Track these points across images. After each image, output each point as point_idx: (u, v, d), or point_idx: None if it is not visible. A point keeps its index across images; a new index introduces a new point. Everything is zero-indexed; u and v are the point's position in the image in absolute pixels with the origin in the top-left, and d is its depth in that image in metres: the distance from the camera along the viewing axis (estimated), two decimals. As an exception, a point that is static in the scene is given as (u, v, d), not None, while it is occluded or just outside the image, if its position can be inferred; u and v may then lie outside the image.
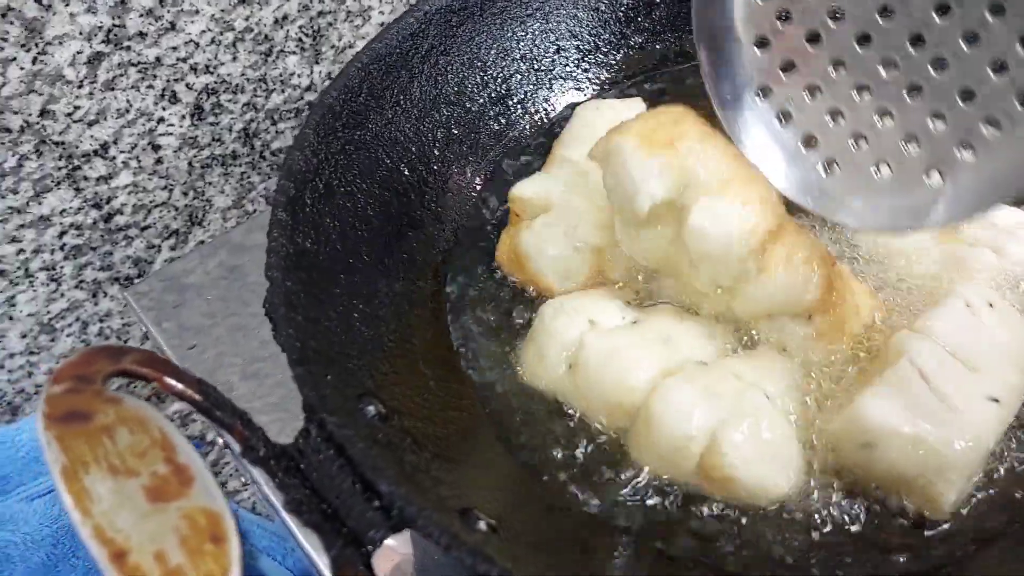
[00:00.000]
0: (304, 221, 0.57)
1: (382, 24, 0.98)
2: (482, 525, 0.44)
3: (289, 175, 0.58)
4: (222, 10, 0.86)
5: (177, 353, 0.84)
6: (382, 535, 0.41)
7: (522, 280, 0.63)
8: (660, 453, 0.52)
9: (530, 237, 0.62)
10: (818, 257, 0.53)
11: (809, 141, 0.51)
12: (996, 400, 0.51)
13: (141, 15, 0.81)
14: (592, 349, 0.55)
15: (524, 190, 0.65)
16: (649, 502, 0.52)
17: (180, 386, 0.42)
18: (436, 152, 0.69)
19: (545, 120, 0.74)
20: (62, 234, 0.88)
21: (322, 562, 0.61)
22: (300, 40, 0.93)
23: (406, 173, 0.67)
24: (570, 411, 0.57)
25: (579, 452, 0.54)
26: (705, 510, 0.52)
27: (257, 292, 0.94)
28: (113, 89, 0.84)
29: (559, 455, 0.54)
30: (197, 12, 0.84)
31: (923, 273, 0.58)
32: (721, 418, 0.50)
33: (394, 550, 0.70)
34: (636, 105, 0.69)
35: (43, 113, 0.81)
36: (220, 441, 0.78)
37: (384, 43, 0.67)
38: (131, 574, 0.32)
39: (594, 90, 0.76)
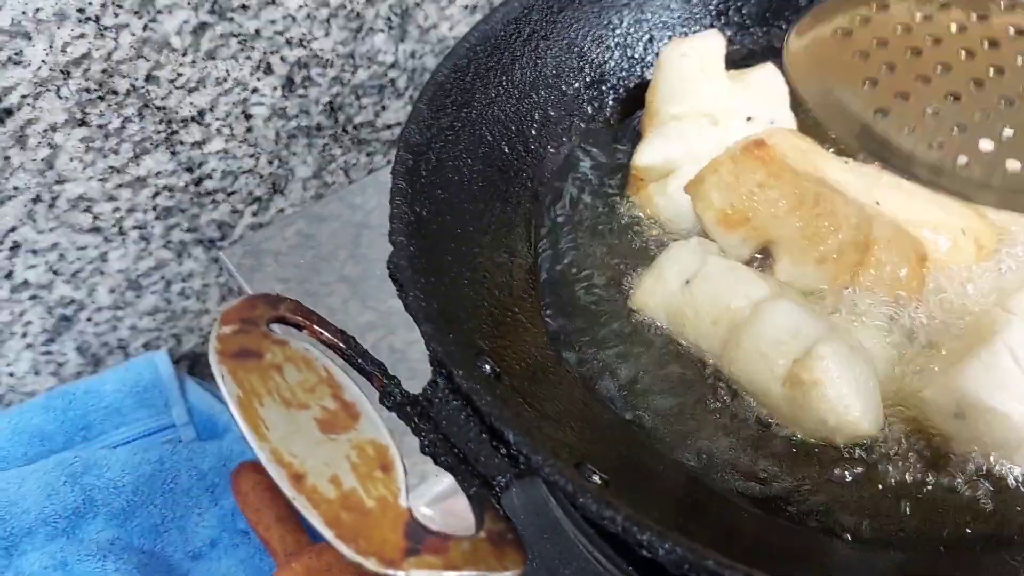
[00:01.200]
0: (420, 191, 0.60)
1: (466, 6, 1.01)
2: (596, 479, 0.48)
3: (407, 147, 0.61)
4: (320, -14, 0.89)
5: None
6: (508, 480, 0.44)
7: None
8: (755, 353, 0.54)
9: (666, 201, 0.67)
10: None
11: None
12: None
13: (245, -12, 0.85)
14: (714, 265, 0.59)
15: (647, 157, 0.68)
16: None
17: (327, 334, 0.45)
18: (533, 132, 0.72)
19: (635, 105, 0.77)
20: (155, 195, 0.92)
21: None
22: (389, 19, 0.97)
23: (506, 151, 0.70)
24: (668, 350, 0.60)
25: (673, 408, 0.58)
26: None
27: (330, 262, 0.99)
28: (214, 58, 0.87)
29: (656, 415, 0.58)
30: (297, -13, 0.88)
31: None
32: (820, 335, 0.53)
33: (431, 520, 0.75)
34: (717, 39, 0.72)
35: (148, 78, 0.85)
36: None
37: (490, 25, 0.70)
38: (310, 495, 0.35)
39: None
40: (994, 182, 0.51)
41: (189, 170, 0.93)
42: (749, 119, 0.70)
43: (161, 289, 0.99)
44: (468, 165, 0.66)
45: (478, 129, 0.68)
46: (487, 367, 0.53)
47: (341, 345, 0.45)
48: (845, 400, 0.53)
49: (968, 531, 0.52)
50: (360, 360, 0.46)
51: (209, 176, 0.94)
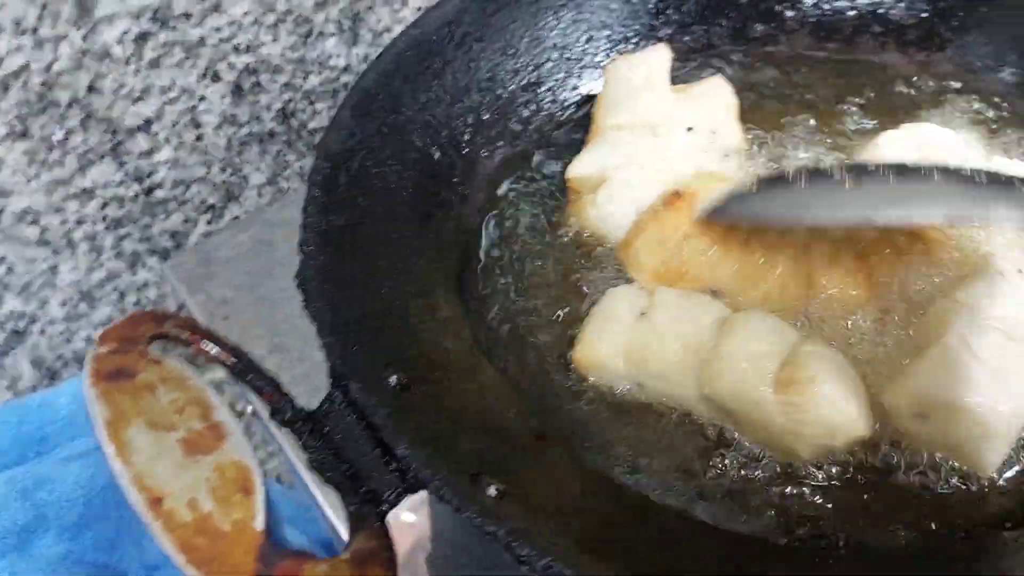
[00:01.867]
0: (338, 199, 0.59)
1: (419, 8, 1.00)
2: (491, 490, 0.46)
3: (325, 155, 0.60)
4: (265, -8, 0.89)
5: (207, 324, 0.87)
6: (397, 495, 0.43)
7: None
8: (740, 363, 0.52)
9: (596, 212, 0.65)
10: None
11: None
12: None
13: (187, -4, 0.84)
14: (667, 294, 0.57)
15: (581, 168, 0.67)
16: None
17: (216, 350, 0.44)
18: (467, 136, 0.71)
19: (573, 108, 0.76)
20: (104, 206, 0.91)
21: (341, 525, 0.63)
22: (339, 23, 0.96)
23: (437, 156, 0.68)
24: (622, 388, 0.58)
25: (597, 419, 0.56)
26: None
27: (286, 266, 0.97)
28: (158, 67, 0.86)
29: (577, 426, 0.56)
30: (240, -6, 0.87)
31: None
32: (798, 339, 0.52)
33: (412, 526, 0.73)
34: (662, 52, 0.71)
35: (90, 89, 0.84)
36: (249, 409, 0.81)
37: (421, 29, 0.69)
38: (166, 518, 0.34)
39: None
40: None
41: (138, 180, 0.92)
42: (690, 129, 0.69)
43: (115, 300, 0.98)
44: (395, 172, 0.65)
45: (407, 135, 0.67)
46: (394, 379, 0.51)
47: (231, 360, 0.44)
48: (844, 395, 0.51)
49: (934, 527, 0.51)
50: (251, 376, 0.45)
51: (159, 185, 0.94)
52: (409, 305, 0.59)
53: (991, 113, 0.71)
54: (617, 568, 0.40)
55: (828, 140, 0.71)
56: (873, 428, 0.53)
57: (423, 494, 0.72)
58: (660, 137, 0.68)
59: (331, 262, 0.55)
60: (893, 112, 0.72)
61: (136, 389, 0.39)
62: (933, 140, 0.65)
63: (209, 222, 1.00)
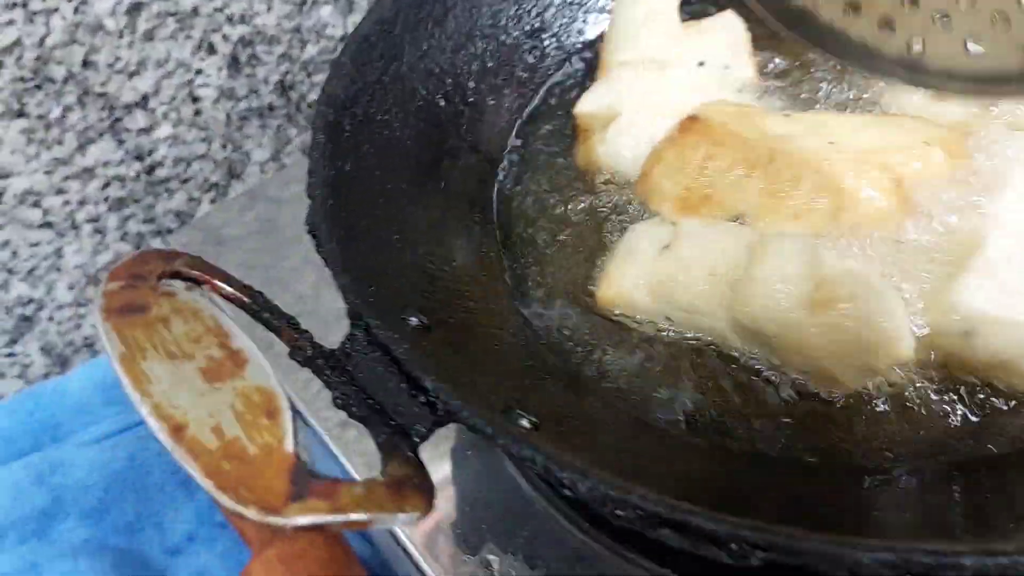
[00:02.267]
0: (343, 146, 0.57)
1: (414, -26, 0.99)
2: (524, 423, 0.45)
3: (328, 101, 0.58)
4: (256, -41, 0.87)
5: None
6: (428, 428, 0.42)
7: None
8: (775, 283, 0.50)
9: (605, 149, 0.63)
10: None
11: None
12: None
13: (178, -35, 0.83)
14: (691, 224, 0.56)
15: (589, 104, 0.65)
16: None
17: (229, 288, 0.43)
18: (472, 84, 0.69)
19: (579, 53, 0.75)
20: (106, 186, 0.90)
21: (352, 464, 0.62)
22: (334, -10, 0.94)
23: (442, 104, 0.67)
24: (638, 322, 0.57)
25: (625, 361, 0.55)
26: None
27: (294, 246, 0.96)
28: (152, 39, 0.85)
29: (605, 366, 0.55)
30: (232, -38, 0.86)
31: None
32: (834, 260, 0.51)
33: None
34: None
35: (85, 64, 0.83)
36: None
37: (419, -25, 0.67)
38: (190, 446, 0.33)
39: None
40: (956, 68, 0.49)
41: (139, 158, 0.91)
42: (701, 64, 0.67)
43: (122, 283, 0.97)
44: (400, 120, 0.64)
45: (409, 83, 0.65)
46: (414, 319, 0.50)
47: (245, 299, 0.43)
48: (884, 313, 0.49)
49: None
50: (267, 314, 0.43)
51: (160, 164, 0.92)
52: (422, 252, 0.58)
53: None
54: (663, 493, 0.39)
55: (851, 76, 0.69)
56: (917, 348, 0.51)
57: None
58: (668, 73, 0.67)
59: (341, 208, 0.53)
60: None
61: (149, 322, 0.38)
62: None
63: (213, 200, 0.99)
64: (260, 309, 0.43)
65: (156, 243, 0.97)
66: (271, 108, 0.97)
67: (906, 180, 0.55)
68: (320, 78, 0.99)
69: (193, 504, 0.92)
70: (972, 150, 0.57)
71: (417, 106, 0.65)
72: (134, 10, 0.82)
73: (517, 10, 0.73)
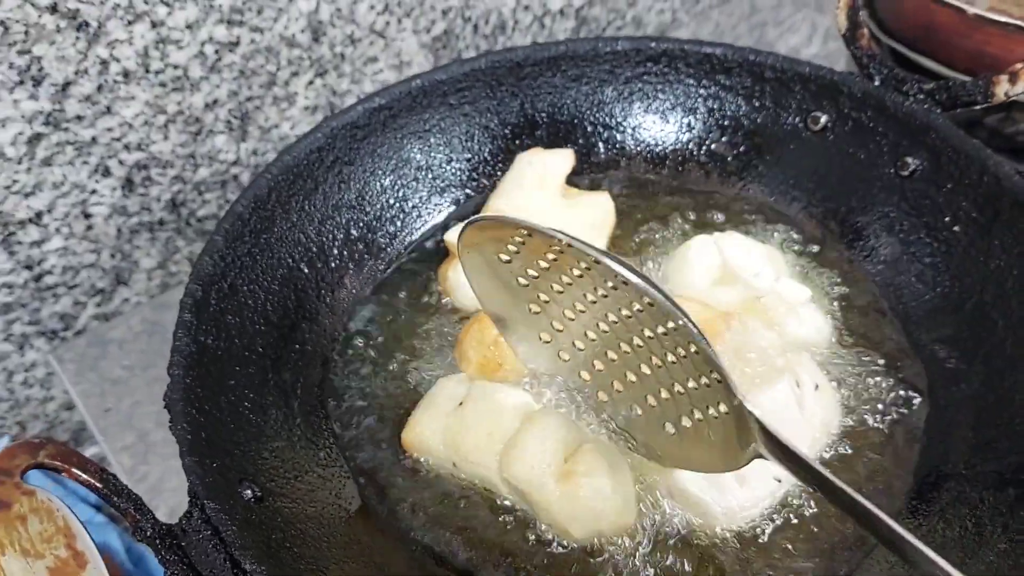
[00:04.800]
0: (207, 320, 0.66)
1: (307, 108, 1.08)
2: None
3: (197, 278, 0.67)
4: (156, 96, 0.95)
5: (93, 408, 0.92)
6: (244, 606, 0.50)
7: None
8: (534, 452, 0.62)
9: (453, 273, 0.76)
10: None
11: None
12: (779, 480, 0.63)
13: (80, 100, 0.90)
14: (480, 387, 0.67)
15: (452, 235, 0.77)
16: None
17: (84, 476, 0.51)
18: (335, 251, 0.79)
19: (437, 222, 0.85)
20: (-6, 292, 0.95)
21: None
22: (229, 122, 1.02)
23: (305, 271, 0.76)
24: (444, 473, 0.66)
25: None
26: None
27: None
28: (50, 165, 0.92)
29: (425, 531, 0.64)
30: (132, 98, 0.93)
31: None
32: (584, 438, 0.63)
33: None
34: (565, 157, 0.81)
35: (-17, 185, 0.88)
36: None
37: (293, 156, 0.77)
38: (30, 642, 0.41)
39: (480, 195, 0.86)
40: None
41: (28, 267, 0.96)
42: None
43: (3, 380, 1.02)
44: (264, 287, 0.72)
45: (277, 252, 0.74)
46: (248, 492, 0.58)
47: (98, 485, 0.51)
48: (611, 488, 0.61)
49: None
50: (116, 498, 0.51)
51: (49, 272, 0.98)
52: (268, 417, 0.66)
53: (792, 235, 0.82)
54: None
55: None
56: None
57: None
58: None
59: (197, 383, 0.62)
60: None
61: (10, 520, 0.45)
62: (733, 245, 0.75)
63: (99, 304, 1.05)
64: (111, 492, 0.51)
65: (40, 343, 1.02)
66: (161, 223, 1.05)
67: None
68: (211, 196, 1.07)
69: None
70: (727, 331, 0.69)
71: (282, 274, 0.74)
72: (35, 139, 0.89)
73: (382, 184, 0.83)
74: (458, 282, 0.76)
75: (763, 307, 0.72)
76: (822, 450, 0.66)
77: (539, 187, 0.79)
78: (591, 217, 0.80)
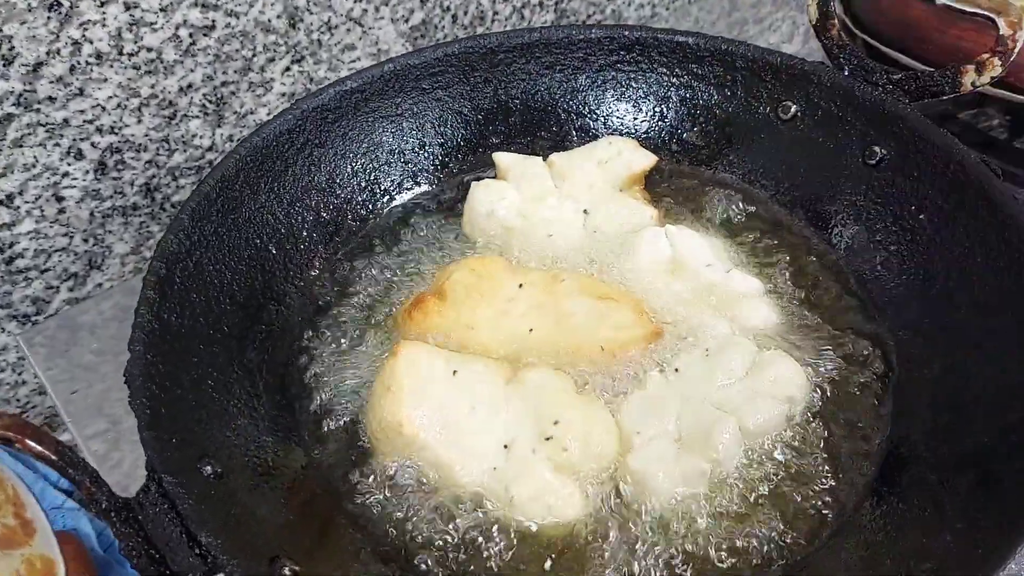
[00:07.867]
0: (171, 298, 0.65)
1: (283, 94, 1.08)
2: (287, 571, 0.54)
3: (161, 255, 0.66)
4: (129, 79, 0.94)
5: (63, 392, 0.92)
6: (199, 578, 0.50)
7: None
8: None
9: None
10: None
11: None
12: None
13: (52, 82, 0.89)
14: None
15: (507, 159, 0.82)
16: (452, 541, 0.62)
17: (39, 448, 0.50)
18: (304, 233, 0.79)
19: (408, 206, 0.85)
20: (-37, 274, 0.95)
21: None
22: (204, 106, 1.02)
23: (273, 252, 0.76)
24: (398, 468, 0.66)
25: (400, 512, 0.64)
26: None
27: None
28: (21, 146, 0.91)
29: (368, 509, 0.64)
30: (105, 80, 0.93)
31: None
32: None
33: None
34: (647, 157, 0.83)
35: (-48, 165, 0.88)
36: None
37: (262, 137, 0.76)
38: (-25, 607, 0.40)
39: (450, 181, 0.87)
40: None
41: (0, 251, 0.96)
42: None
43: (-27, 363, 1.02)
44: (231, 267, 0.72)
45: (244, 232, 0.74)
46: (208, 468, 0.58)
47: (52, 457, 0.50)
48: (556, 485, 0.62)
49: None
50: (71, 470, 0.51)
51: (20, 255, 0.98)
52: (232, 396, 0.66)
53: (760, 223, 0.83)
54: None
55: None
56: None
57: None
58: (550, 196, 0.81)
59: (159, 359, 0.61)
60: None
61: (-42, 489, 0.45)
62: (683, 239, 0.76)
63: (71, 289, 1.04)
64: (66, 465, 0.51)
65: (11, 327, 1.02)
66: (135, 207, 1.04)
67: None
68: (185, 181, 1.07)
69: None
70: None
71: (249, 254, 0.74)
72: (5, 120, 0.89)
73: (353, 167, 0.82)
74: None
75: (714, 298, 0.73)
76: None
77: (603, 166, 0.80)
78: (620, 219, 0.80)
